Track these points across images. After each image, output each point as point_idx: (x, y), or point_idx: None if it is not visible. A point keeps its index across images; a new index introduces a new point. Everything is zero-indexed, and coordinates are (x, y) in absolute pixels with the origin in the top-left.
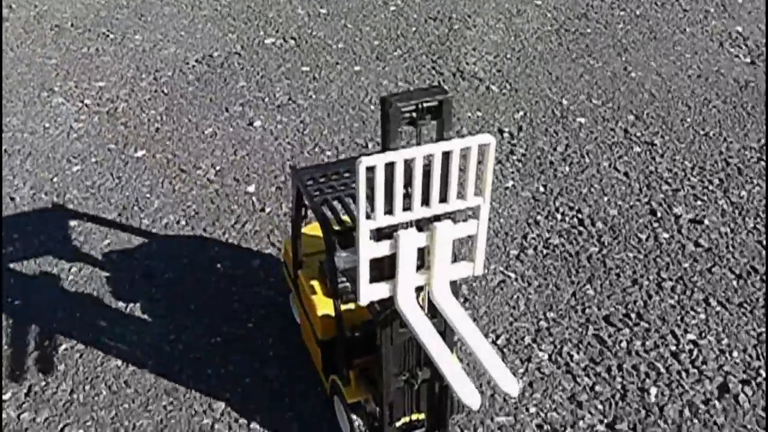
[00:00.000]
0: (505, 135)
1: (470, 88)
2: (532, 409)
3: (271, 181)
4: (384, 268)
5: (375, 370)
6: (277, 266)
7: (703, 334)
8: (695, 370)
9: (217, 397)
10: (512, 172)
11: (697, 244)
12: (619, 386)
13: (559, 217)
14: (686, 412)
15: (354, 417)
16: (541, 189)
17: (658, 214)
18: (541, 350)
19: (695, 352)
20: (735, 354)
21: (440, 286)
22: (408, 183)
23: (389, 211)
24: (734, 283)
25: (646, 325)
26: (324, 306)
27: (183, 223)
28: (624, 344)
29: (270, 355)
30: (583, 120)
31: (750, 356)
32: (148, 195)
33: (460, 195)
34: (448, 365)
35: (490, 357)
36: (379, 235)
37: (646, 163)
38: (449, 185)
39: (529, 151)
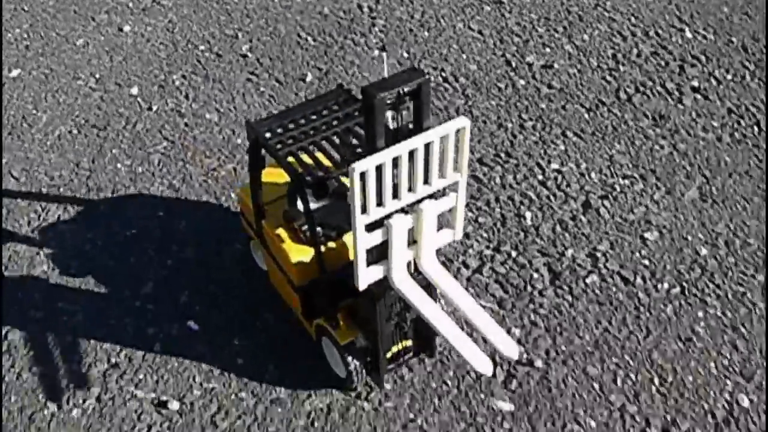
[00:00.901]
0: (365, 9)
1: None
2: None
3: (152, 81)
4: (376, 252)
5: (361, 309)
6: (175, 162)
7: (564, 162)
8: (561, 193)
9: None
10: (376, 42)
11: (550, 87)
12: (498, 215)
13: None
14: (558, 228)
15: (348, 356)
16: (405, 55)
17: (513, 64)
18: None
19: (559, 178)
20: (593, 175)
21: (428, 257)
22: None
23: (380, 203)
24: (586, 116)
25: (515, 161)
26: (297, 253)
27: (75, 132)
28: (498, 180)
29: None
30: None
31: (605, 175)
32: (34, 111)
33: (441, 174)
34: (456, 338)
35: (488, 323)
36: (372, 224)
37: (497, 20)
38: (431, 169)
39: (389, 21)
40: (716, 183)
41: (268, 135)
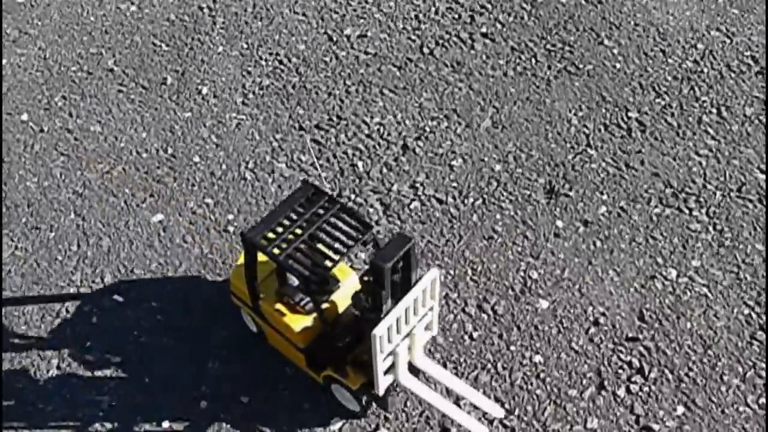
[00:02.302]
0: (205, 10)
1: None
2: None
3: (37, 106)
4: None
5: (363, 353)
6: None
7: (384, 116)
8: (384, 141)
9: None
10: (217, 37)
11: (366, 53)
12: (337, 168)
13: (264, 63)
14: (384, 170)
15: (361, 395)
16: (245, 45)
17: (334, 39)
18: (278, 162)
19: (381, 129)
20: (407, 122)
21: (419, 355)
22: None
23: (389, 341)
24: (397, 73)
25: (345, 121)
26: (297, 322)
27: None
28: (333, 139)
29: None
30: None
31: (417, 120)
32: None
33: (423, 304)
34: (467, 394)
35: (474, 394)
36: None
37: (317, 1)
38: (417, 305)
39: (227, 18)
40: (504, 111)
41: (264, 242)
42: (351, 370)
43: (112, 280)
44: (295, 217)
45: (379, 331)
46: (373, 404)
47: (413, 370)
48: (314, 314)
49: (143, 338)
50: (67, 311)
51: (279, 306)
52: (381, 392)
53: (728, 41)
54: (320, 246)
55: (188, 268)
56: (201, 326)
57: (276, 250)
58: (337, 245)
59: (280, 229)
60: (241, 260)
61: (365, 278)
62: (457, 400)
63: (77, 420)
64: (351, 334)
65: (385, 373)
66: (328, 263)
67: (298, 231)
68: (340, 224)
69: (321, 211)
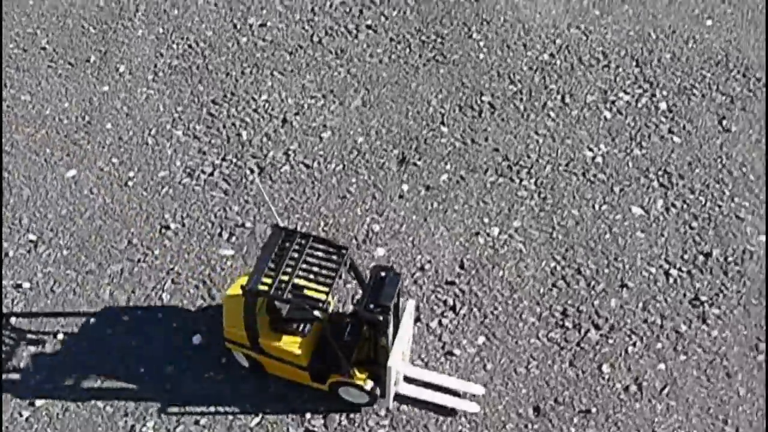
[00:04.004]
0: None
1: None
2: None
3: None
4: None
5: (361, 353)
6: None
7: (270, 94)
8: (267, 115)
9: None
10: (138, 22)
11: (263, 40)
12: (224, 136)
13: (175, 46)
14: (264, 139)
15: (372, 390)
16: (161, 30)
17: (238, 26)
18: (176, 130)
19: (266, 105)
20: (290, 100)
21: (408, 366)
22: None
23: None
24: (288, 58)
25: (236, 98)
26: (294, 345)
27: None
28: (225, 113)
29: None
30: None
31: (298, 98)
32: None
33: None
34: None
35: (452, 381)
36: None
37: None
38: (406, 333)
39: (149, 6)
40: (374, 93)
41: (266, 289)
42: (356, 371)
43: (29, 223)
44: (280, 260)
45: (393, 363)
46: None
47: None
48: (308, 335)
49: (49, 269)
50: None
51: (275, 337)
52: (390, 406)
53: (584, 38)
54: (311, 276)
55: (92, 215)
56: (97, 263)
57: (278, 292)
58: (324, 272)
59: (272, 274)
60: (233, 310)
61: (368, 321)
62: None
63: None
64: (351, 341)
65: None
66: (324, 289)
67: (288, 270)
68: (320, 253)
69: (298, 248)
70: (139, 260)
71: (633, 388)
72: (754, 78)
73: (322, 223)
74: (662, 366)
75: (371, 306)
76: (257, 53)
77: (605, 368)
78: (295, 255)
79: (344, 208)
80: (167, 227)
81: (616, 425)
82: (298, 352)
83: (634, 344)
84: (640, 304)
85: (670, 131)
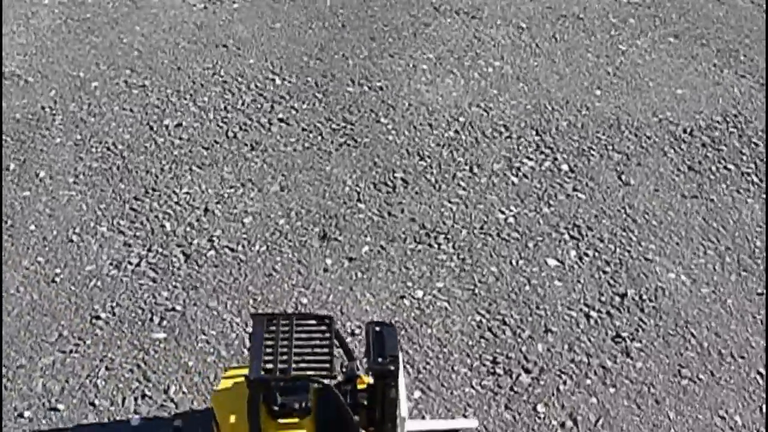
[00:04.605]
0: (47, 109)
1: None
2: None
3: None
4: None
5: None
6: None
7: (191, 187)
8: (189, 206)
9: None
10: (55, 131)
11: (180, 139)
12: (149, 228)
13: (94, 150)
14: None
15: None
16: (79, 137)
17: (155, 128)
18: (101, 226)
19: (188, 198)
20: (210, 191)
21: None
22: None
23: None
24: (204, 153)
25: (158, 193)
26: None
27: None
28: (147, 208)
29: None
30: None
31: (218, 189)
32: None
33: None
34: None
35: (447, 422)
36: None
37: (141, 99)
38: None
39: (65, 114)
40: (291, 178)
41: (268, 376)
42: None
43: None
44: (274, 345)
45: (404, 413)
46: None
47: None
48: (309, 415)
49: None
50: None
51: (278, 426)
52: None
53: (485, 114)
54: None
55: (20, 312)
56: (28, 357)
57: (285, 374)
58: (317, 343)
59: (270, 358)
60: (226, 408)
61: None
62: None
63: None
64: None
65: None
66: (326, 358)
67: (284, 351)
68: (307, 328)
69: (285, 329)
70: (71, 351)
71: (569, 423)
72: (645, 136)
73: (251, 301)
74: (594, 400)
75: (379, 359)
76: (175, 150)
77: (540, 408)
78: (285, 335)
79: (271, 284)
80: (98, 317)
81: None
82: None
83: (565, 383)
84: (566, 346)
85: (574, 189)
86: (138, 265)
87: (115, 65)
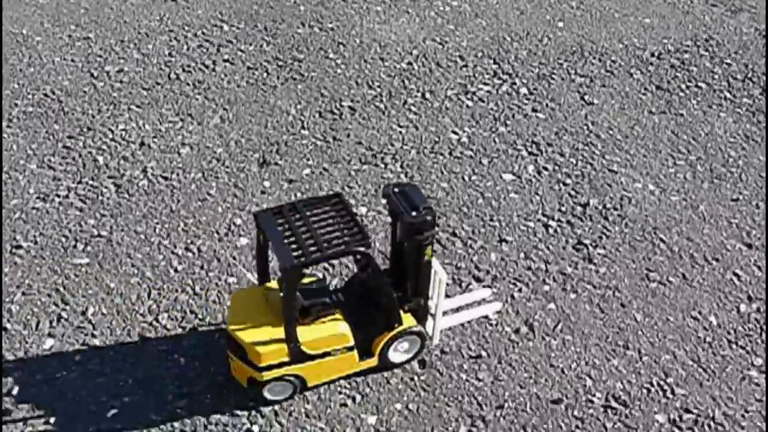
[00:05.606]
0: None
1: None
2: None
3: None
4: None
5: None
6: None
7: (128, 124)
8: (124, 141)
9: None
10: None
11: (121, 82)
12: (81, 163)
13: (30, 97)
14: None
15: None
16: (16, 85)
17: (95, 74)
18: (30, 164)
19: (124, 134)
20: (147, 126)
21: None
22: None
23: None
24: (145, 93)
25: (93, 131)
26: (337, 326)
27: None
28: (81, 145)
29: None
30: None
31: (160, 129)
32: None
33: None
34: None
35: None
36: None
37: (84, 49)
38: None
39: (6, 68)
40: (233, 111)
41: (303, 259)
42: (405, 319)
43: None
44: (289, 234)
45: (442, 276)
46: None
47: None
48: (338, 312)
49: None
50: None
51: (313, 330)
52: (435, 341)
53: (441, 47)
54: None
55: None
56: None
57: (319, 255)
58: (339, 219)
59: (295, 246)
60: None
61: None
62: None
63: None
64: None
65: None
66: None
67: (309, 240)
68: (320, 210)
69: (297, 216)
70: None
71: (524, 329)
72: (610, 60)
73: (182, 224)
74: (552, 306)
75: (413, 213)
76: (114, 93)
77: (492, 315)
78: (300, 222)
79: (204, 208)
80: (19, 246)
81: (510, 365)
82: (343, 329)
83: (520, 290)
84: (522, 254)
85: (533, 110)
86: (66, 197)
87: (60, 22)
